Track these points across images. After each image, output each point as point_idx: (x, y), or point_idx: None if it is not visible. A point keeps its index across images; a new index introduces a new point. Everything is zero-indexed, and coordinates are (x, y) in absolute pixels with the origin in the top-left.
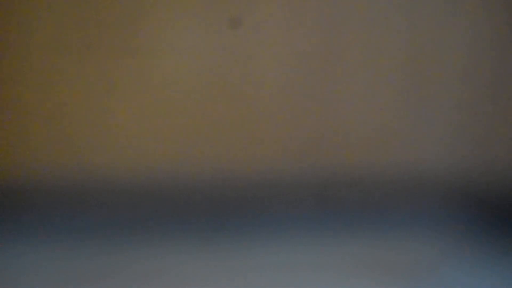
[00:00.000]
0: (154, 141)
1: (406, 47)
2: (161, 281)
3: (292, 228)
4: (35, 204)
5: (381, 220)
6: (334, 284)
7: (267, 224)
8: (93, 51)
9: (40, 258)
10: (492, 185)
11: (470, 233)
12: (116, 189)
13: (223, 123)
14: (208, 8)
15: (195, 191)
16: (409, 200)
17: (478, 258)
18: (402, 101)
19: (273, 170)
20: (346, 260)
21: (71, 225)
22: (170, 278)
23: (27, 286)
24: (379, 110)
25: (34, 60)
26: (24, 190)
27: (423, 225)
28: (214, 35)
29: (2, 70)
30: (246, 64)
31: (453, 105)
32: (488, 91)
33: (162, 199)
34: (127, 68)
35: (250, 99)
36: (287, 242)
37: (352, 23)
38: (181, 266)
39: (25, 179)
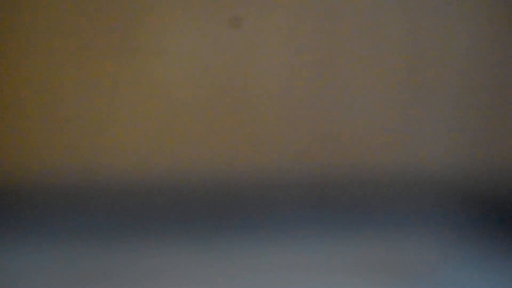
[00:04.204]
0: (155, 142)
1: (407, 47)
2: (161, 281)
3: (292, 228)
4: (36, 205)
5: (381, 220)
6: (333, 284)
7: (267, 225)
8: (94, 51)
9: (41, 259)
10: (492, 185)
11: (470, 233)
12: (117, 189)
13: (223, 123)
14: (208, 8)
15: (196, 191)
16: (409, 200)
17: (478, 258)
18: (402, 101)
19: (274, 170)
20: (346, 260)
21: (72, 226)
22: (170, 278)
23: (27, 286)
24: (380, 111)
25: (34, 61)
26: (25, 191)
27: (423, 225)
28: (214, 35)
29: (2, 71)
30: (247, 64)
31: (453, 105)
32: (488, 91)
33: (162, 199)
34: (128, 69)
35: (251, 100)
36: (287, 242)
37: (353, 24)
38: (181, 266)
39: (26, 180)
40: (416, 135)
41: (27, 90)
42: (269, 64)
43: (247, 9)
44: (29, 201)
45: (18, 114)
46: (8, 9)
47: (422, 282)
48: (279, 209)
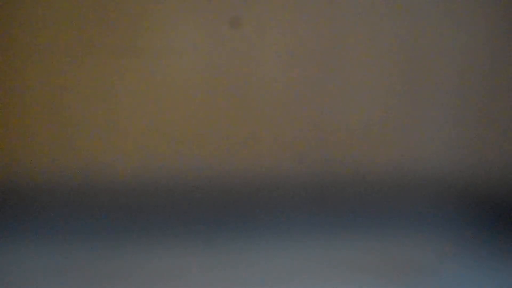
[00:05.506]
0: (156, 142)
1: (407, 46)
2: (161, 280)
3: (291, 228)
4: (36, 205)
5: (380, 220)
6: (333, 284)
7: (267, 224)
8: (95, 51)
9: (41, 259)
10: (491, 185)
11: (470, 233)
12: (118, 189)
13: (224, 123)
14: (209, 8)
15: (196, 190)
16: (409, 200)
17: (478, 258)
18: (402, 101)
19: (275, 170)
20: (346, 260)
21: (73, 226)
22: (170, 277)
23: (28, 287)
24: (379, 111)
25: (36, 61)
26: (26, 191)
27: (423, 225)
28: (214, 35)
29: (5, 71)
30: (247, 64)
31: (452, 105)
32: (488, 91)
33: (163, 199)
34: (129, 69)
35: (251, 99)
36: (286, 241)
37: (352, 23)
38: (180, 266)
39: (28, 180)
40: (416, 135)
41: (28, 90)
42: (269, 64)
43: (247, 9)
44: (29, 201)
45: (19, 114)
46: (10, 9)
47: (422, 282)
48: (278, 208)
